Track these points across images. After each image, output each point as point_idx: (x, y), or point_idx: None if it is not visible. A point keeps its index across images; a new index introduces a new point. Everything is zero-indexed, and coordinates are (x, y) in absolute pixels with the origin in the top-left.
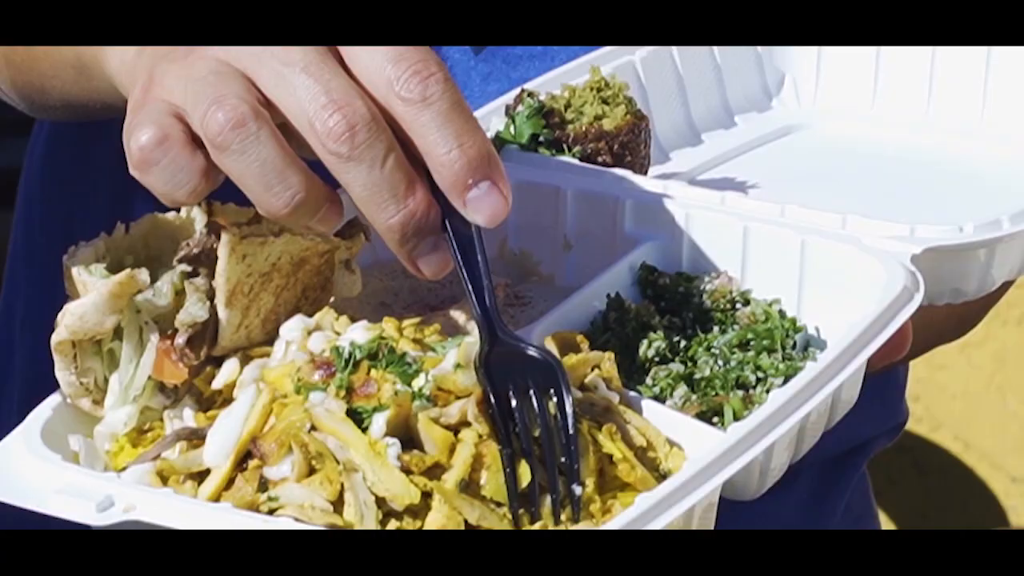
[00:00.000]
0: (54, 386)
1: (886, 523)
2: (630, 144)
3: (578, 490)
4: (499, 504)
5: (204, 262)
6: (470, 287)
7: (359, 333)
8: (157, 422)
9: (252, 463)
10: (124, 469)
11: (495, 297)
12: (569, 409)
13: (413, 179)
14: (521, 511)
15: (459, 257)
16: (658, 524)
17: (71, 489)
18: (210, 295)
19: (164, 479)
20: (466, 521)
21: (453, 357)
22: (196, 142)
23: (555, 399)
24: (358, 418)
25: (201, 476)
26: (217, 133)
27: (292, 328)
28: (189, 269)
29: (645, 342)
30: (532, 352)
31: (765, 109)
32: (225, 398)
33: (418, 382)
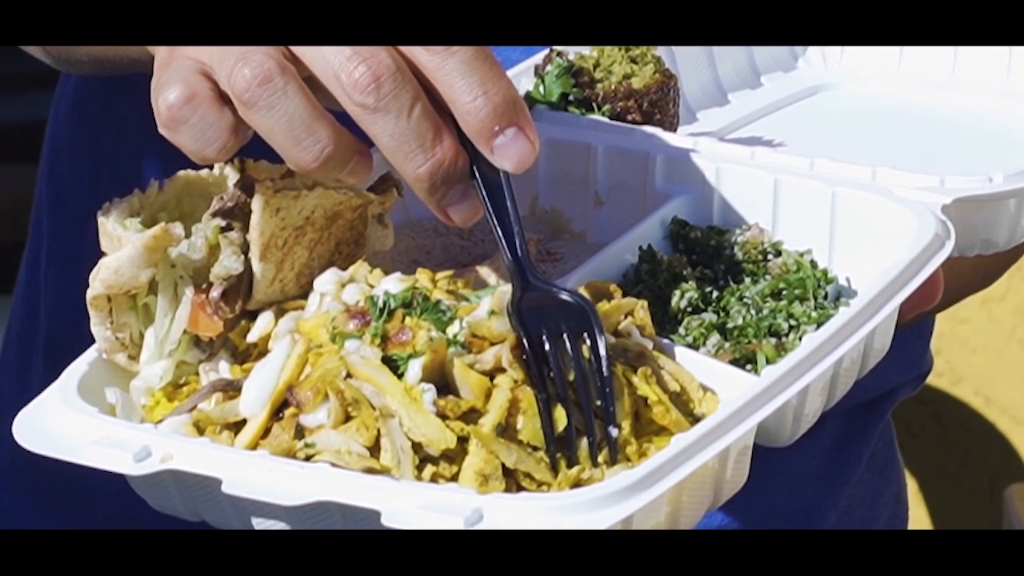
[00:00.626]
0: (79, 336)
1: (906, 476)
2: (659, 102)
3: (614, 432)
4: (535, 448)
5: (238, 216)
6: (500, 233)
7: (393, 284)
8: (192, 376)
9: (288, 411)
10: (160, 422)
11: (526, 243)
12: (603, 351)
13: (440, 128)
14: (558, 455)
15: (488, 204)
16: (693, 465)
17: (108, 440)
18: (244, 249)
19: (200, 430)
20: (503, 465)
21: (487, 304)
22: (223, 99)
23: (588, 342)
24: (393, 365)
25: (237, 427)
26: (244, 89)
27: (326, 281)
28: (223, 223)
29: (677, 293)
30: (564, 296)
31: (791, 69)
32: (260, 351)
33: (452, 329)
